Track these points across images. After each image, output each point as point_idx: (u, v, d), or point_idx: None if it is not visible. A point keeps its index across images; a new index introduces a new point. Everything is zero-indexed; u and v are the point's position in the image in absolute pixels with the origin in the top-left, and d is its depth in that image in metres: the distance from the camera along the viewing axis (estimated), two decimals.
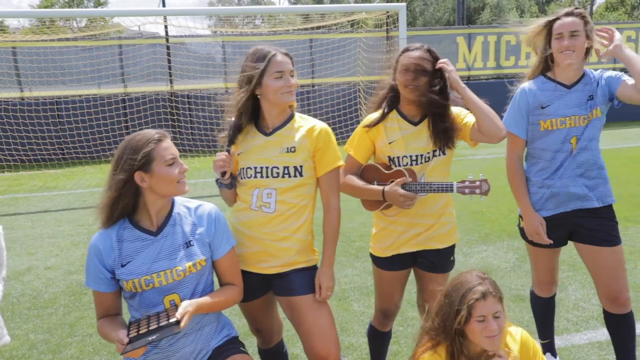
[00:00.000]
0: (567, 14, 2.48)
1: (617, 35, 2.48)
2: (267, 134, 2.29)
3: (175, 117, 11.58)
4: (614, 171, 8.07)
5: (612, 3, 46.11)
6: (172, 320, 1.83)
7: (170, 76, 11.41)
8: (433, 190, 2.37)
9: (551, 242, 2.60)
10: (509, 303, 3.82)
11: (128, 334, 1.80)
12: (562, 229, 2.63)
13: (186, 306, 1.89)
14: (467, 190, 2.33)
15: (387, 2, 11.65)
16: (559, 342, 3.26)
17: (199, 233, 2.06)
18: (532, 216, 2.62)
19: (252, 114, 2.28)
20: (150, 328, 1.81)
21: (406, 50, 2.41)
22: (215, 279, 2.20)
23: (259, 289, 2.36)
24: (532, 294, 2.94)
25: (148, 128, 2.08)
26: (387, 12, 10.25)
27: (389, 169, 2.45)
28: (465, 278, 1.99)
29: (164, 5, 10.73)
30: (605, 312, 2.66)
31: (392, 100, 2.48)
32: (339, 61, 11.30)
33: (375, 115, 2.50)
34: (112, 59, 11.47)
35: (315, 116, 2.49)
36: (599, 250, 2.57)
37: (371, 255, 2.64)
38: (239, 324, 3.62)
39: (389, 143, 2.44)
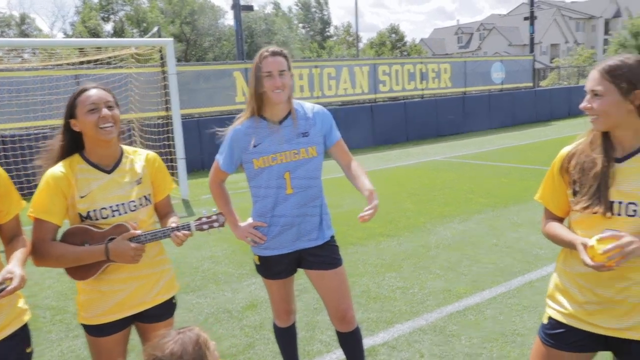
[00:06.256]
0: (275, 54, 2.52)
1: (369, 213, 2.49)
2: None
3: None
4: (376, 190, 9.02)
5: (375, 43, 53.20)
6: None
7: None
8: (168, 235, 2.18)
9: (265, 238, 2.65)
10: (267, 332, 3.84)
11: None
12: (289, 260, 2.70)
13: None
14: (205, 227, 2.28)
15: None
16: None
17: None
18: (238, 229, 2.70)
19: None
20: None
21: None
22: None
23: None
24: (274, 325, 2.96)
25: None
26: (160, 46, 9.99)
27: (101, 227, 2.16)
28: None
29: None
30: (337, 332, 2.80)
31: (71, 147, 2.21)
32: None
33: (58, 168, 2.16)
34: None
35: None
36: (324, 273, 2.70)
37: (82, 325, 2.28)
38: None
39: (81, 197, 2.14)
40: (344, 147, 2.77)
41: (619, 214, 1.77)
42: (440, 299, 4.29)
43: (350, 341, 2.79)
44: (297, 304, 4.29)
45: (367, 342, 3.62)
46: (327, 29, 62.81)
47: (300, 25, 60.46)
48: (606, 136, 1.82)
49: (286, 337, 2.96)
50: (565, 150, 1.95)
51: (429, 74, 17.32)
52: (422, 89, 17.29)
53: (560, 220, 2.00)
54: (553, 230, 1.94)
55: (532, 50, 23.22)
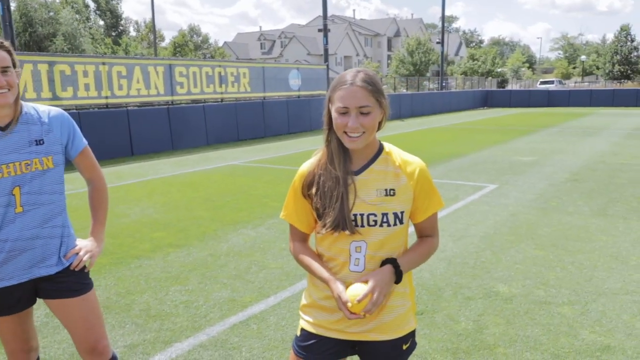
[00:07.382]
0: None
1: None
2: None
3: None
4: (170, 197, 8.60)
5: (178, 43, 51.54)
6: None
7: None
8: None
9: None
10: None
11: None
12: (21, 291, 2.26)
13: None
14: None
15: None
16: None
17: None
18: None
19: None
20: None
21: None
22: None
23: None
24: None
25: None
26: None
27: None
28: None
29: None
30: None
31: None
32: None
33: None
34: None
35: None
36: (69, 302, 2.32)
37: None
38: None
39: None
40: (91, 159, 2.45)
41: (362, 226, 1.79)
42: (225, 310, 4.15)
43: None
44: (61, 333, 3.73)
45: None
46: (121, 24, 58.80)
47: (98, 18, 55.62)
48: (345, 151, 1.82)
49: None
50: (305, 168, 1.92)
51: (227, 77, 17.26)
52: (222, 93, 17.15)
53: (308, 236, 1.98)
54: (306, 263, 1.92)
55: (326, 60, 24.85)
